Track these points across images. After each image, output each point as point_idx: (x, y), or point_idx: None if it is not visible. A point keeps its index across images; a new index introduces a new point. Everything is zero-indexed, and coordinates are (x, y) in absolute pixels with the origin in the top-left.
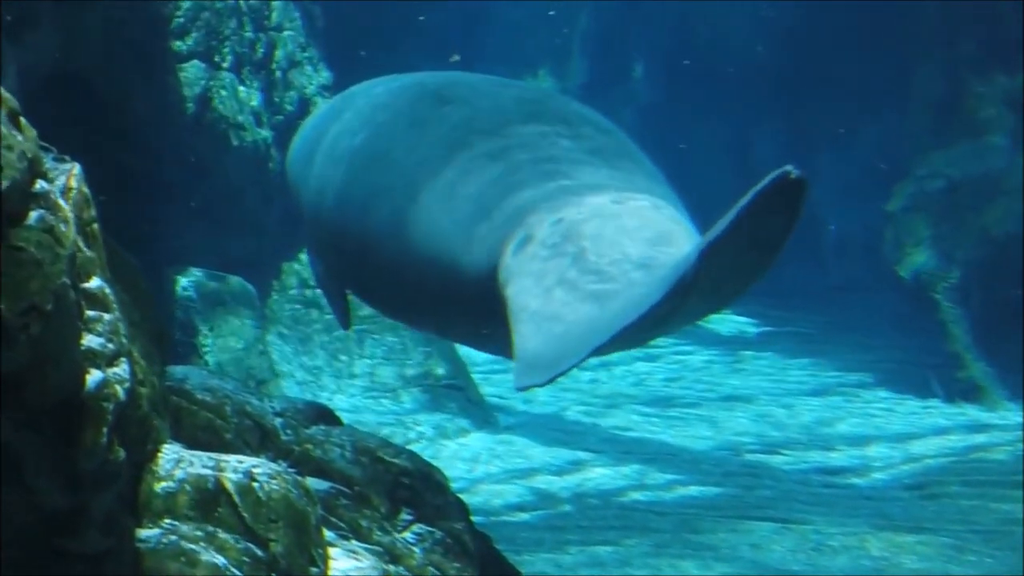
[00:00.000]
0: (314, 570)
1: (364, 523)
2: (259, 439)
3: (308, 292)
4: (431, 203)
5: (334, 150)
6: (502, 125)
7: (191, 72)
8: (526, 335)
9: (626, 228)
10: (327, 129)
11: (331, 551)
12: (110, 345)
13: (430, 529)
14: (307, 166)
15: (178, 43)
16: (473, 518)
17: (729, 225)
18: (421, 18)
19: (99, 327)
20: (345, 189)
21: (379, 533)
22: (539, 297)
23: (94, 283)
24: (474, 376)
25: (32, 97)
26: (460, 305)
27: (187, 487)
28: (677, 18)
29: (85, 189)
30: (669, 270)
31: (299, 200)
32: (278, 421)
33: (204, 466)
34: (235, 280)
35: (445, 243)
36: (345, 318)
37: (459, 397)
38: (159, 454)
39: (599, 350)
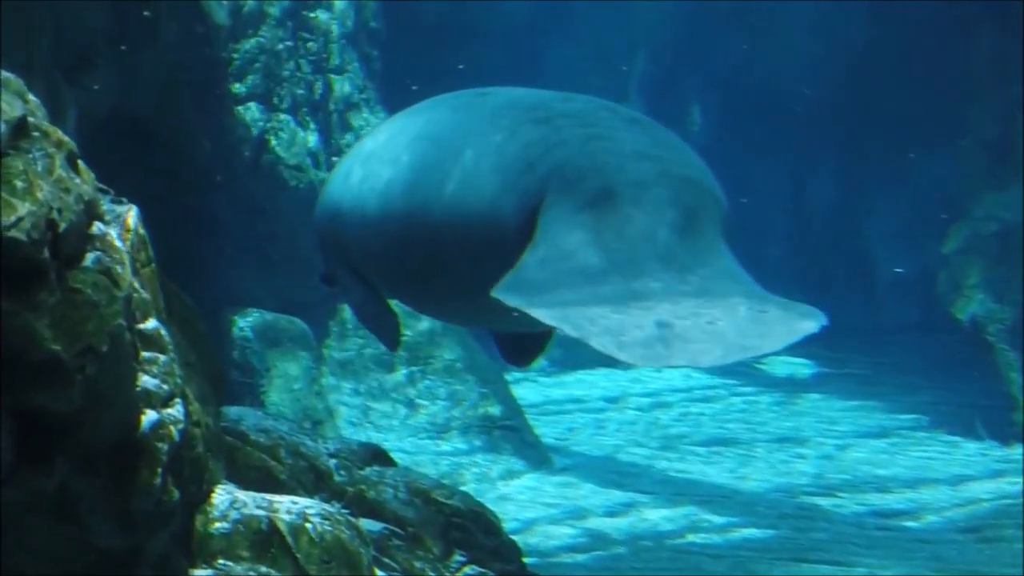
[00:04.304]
0: None
1: (417, 564)
2: (313, 480)
3: (364, 332)
4: (479, 164)
5: (378, 153)
6: (544, 103)
7: (249, 114)
8: (537, 262)
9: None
10: (365, 148)
11: None
12: (165, 386)
13: (483, 571)
14: (346, 180)
15: (236, 85)
16: (527, 559)
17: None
18: (460, 67)
19: (154, 368)
20: (393, 176)
21: (432, 574)
22: (584, 250)
23: (150, 324)
24: (529, 417)
25: (91, 139)
26: (499, 264)
27: (241, 528)
28: (733, 60)
29: (142, 231)
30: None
31: (335, 223)
32: (332, 462)
33: (258, 507)
34: (292, 321)
35: (491, 197)
36: (393, 337)
37: (514, 438)
38: (213, 494)
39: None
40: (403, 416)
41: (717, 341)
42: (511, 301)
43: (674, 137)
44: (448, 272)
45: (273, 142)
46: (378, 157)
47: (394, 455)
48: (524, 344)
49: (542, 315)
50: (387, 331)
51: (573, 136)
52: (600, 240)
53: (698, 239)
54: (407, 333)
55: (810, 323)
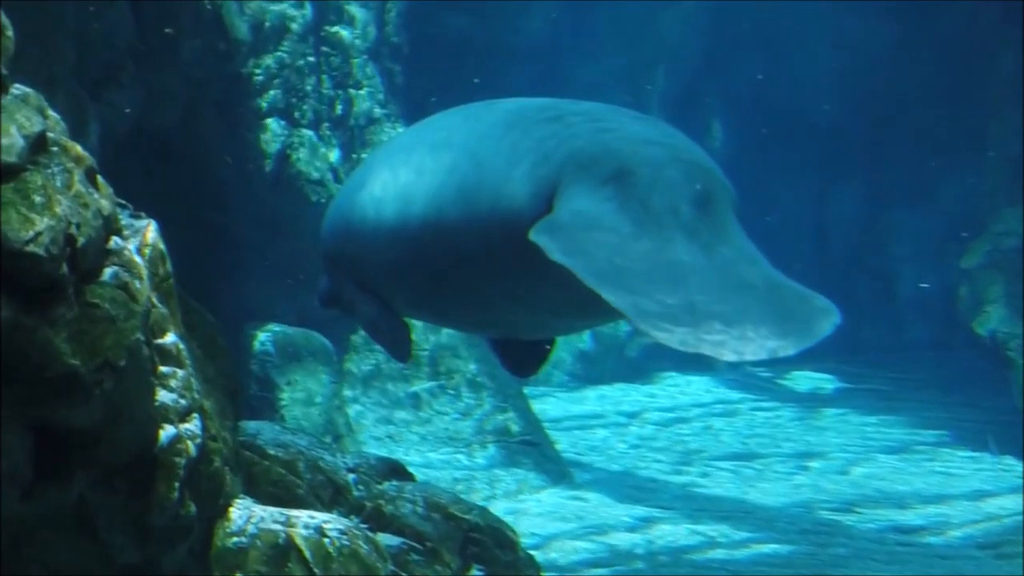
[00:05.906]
0: None
1: None
2: (331, 494)
3: None
4: (494, 161)
5: (390, 163)
6: (553, 105)
7: (271, 129)
8: (568, 215)
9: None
10: (375, 161)
11: None
12: (183, 401)
13: None
14: (358, 193)
15: (258, 100)
16: (545, 574)
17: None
18: (476, 80)
19: (172, 383)
20: (407, 183)
21: None
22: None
23: (168, 339)
24: (548, 432)
25: (113, 154)
26: (515, 260)
27: (258, 542)
28: (754, 76)
29: (161, 245)
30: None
31: (346, 237)
32: (351, 477)
33: (275, 521)
34: (313, 335)
35: (507, 191)
36: (405, 349)
37: (534, 453)
38: (231, 509)
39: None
40: (423, 431)
41: (739, 340)
42: (549, 247)
43: (680, 132)
44: (465, 275)
45: (294, 157)
46: (390, 168)
47: (413, 469)
48: (526, 353)
49: (580, 270)
50: (398, 344)
51: (584, 129)
52: (626, 208)
53: (715, 218)
54: (425, 348)
55: (827, 323)
